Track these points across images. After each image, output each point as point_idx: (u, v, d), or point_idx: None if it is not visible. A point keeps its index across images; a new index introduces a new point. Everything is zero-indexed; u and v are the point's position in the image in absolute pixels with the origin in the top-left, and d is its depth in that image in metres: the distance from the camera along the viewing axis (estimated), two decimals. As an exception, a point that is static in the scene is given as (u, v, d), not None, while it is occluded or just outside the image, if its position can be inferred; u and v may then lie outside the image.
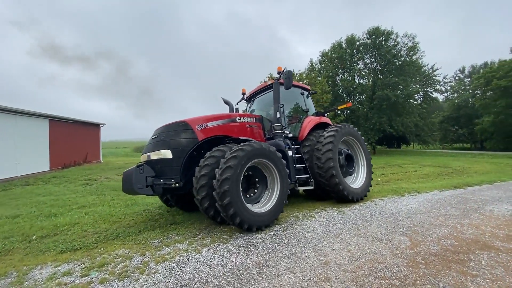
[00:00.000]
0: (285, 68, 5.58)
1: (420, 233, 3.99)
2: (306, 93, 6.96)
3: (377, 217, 4.79)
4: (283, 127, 5.65)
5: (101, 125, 23.12)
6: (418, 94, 32.88)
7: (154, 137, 4.86)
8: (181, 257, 3.19)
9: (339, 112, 30.70)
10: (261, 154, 4.31)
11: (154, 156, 4.46)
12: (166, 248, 3.48)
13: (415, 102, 32.66)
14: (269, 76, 27.01)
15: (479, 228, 4.27)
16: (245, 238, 3.80)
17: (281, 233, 4.00)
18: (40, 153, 15.20)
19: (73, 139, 18.57)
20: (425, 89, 32.79)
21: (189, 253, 3.30)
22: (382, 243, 3.60)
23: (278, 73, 5.72)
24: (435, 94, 34.37)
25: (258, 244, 3.57)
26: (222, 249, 3.42)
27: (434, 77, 31.87)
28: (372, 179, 6.74)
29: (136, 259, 3.20)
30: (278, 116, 5.56)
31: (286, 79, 5.34)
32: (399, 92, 27.33)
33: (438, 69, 31.50)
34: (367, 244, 3.56)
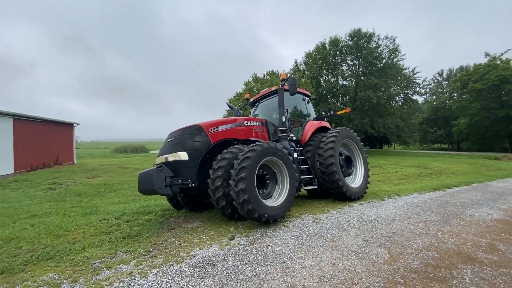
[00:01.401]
0: (289, 75, 5.94)
1: (399, 244, 3.65)
2: (307, 98, 7.26)
3: (354, 225, 4.43)
4: (288, 131, 5.92)
5: (75, 125, 21.79)
6: (399, 96, 33.58)
7: (170, 140, 5.14)
8: (121, 284, 2.64)
9: (323, 113, 30.75)
10: (271, 153, 4.62)
11: (171, 158, 4.75)
12: (107, 271, 2.92)
13: (396, 104, 33.35)
14: (253, 76, 26.60)
15: (461, 236, 4.00)
16: (204, 255, 3.30)
17: (248, 247, 3.53)
18: (3, 155, 13.95)
19: (42, 139, 17.29)
20: (406, 91, 33.53)
21: (132, 278, 2.76)
22: (358, 258, 3.21)
23: (282, 80, 6.06)
24: (415, 96, 35.35)
25: (217, 263, 3.08)
26: (174, 271, 2.90)
27: (414, 80, 32.64)
28: (369, 182, 7.10)
29: (65, 286, 2.63)
30: (284, 120, 5.85)
31: (291, 86, 5.62)
32: (380, 93, 27.71)
33: (418, 72, 32.29)
34: (342, 259, 3.16)
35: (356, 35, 29.61)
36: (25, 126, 15.72)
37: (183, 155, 4.66)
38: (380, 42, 29.66)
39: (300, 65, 34.35)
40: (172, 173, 4.54)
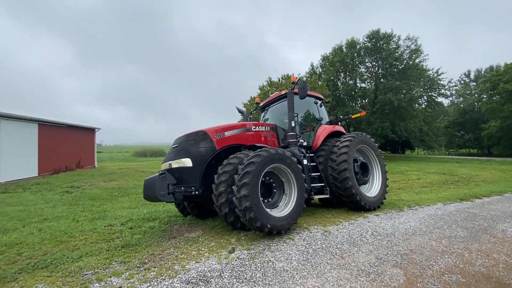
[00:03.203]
0: (299, 78, 5.49)
1: (418, 264, 3.24)
2: (319, 102, 6.92)
3: (368, 240, 4.04)
4: (298, 136, 5.66)
5: (96, 130, 22.65)
6: (422, 99, 31.99)
7: (174, 146, 5.00)
8: (106, 300, 2.49)
9: (341, 117, 29.94)
10: (277, 159, 4.37)
11: (175, 164, 4.63)
12: (96, 284, 2.78)
13: (420, 107, 31.78)
14: (268, 80, 26.46)
15: (491, 256, 3.51)
16: (199, 270, 3.08)
17: (247, 262, 3.28)
18: (28, 159, 14.70)
19: (65, 144, 18.08)
20: (430, 94, 31.88)
21: (120, 293, 2.60)
22: (369, 279, 2.86)
23: (292, 83, 5.79)
24: (440, 99, 33.42)
25: (212, 279, 2.85)
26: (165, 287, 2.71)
27: (438, 81, 30.95)
28: (387, 192, 6.56)
29: (50, 300, 2.52)
30: (293, 125, 5.57)
31: (301, 89, 5.41)
32: (402, 96, 26.49)
33: (443, 73, 30.60)
34: (350, 281, 2.82)
35: (375, 36, 28.63)
36: (49, 131, 16.52)
37: (187, 162, 4.53)
38: (400, 43, 28.47)
39: (317, 68, 33.75)
40: (175, 180, 4.42)
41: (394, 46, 28.30)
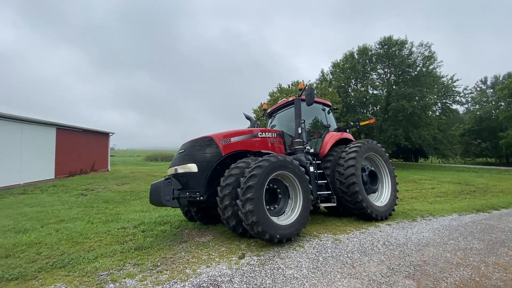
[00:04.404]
0: (307, 85, 5.67)
1: (431, 275, 3.18)
2: (327, 108, 6.90)
3: (379, 249, 3.99)
4: (304, 143, 5.64)
5: (110, 134, 23.29)
6: (436, 106, 31.31)
7: (181, 151, 5.05)
8: (120, 301, 2.57)
9: (351, 124, 29.63)
10: (283, 166, 4.35)
11: (180, 169, 4.65)
12: (111, 285, 2.88)
13: (433, 114, 31.10)
14: (278, 87, 26.61)
15: (508, 270, 3.39)
16: (210, 274, 3.13)
17: (257, 268, 3.30)
18: (45, 161, 15.25)
19: (80, 147, 18.66)
20: (444, 101, 31.18)
21: (134, 294, 2.68)
22: (380, 290, 2.83)
23: (300, 89, 5.80)
24: (455, 106, 32.64)
25: (223, 284, 2.89)
26: (176, 290, 2.77)
27: (453, 88, 30.26)
28: (397, 198, 6.39)
29: (68, 299, 2.62)
30: (300, 131, 5.55)
31: (308, 95, 5.43)
32: (415, 103, 26.02)
33: (458, 80, 29.91)
34: (361, 290, 2.80)
35: (387, 42, 28.42)
36: (66, 135, 17.11)
37: (193, 167, 4.55)
38: (413, 49, 28.13)
39: (327, 74, 33.71)
40: (180, 185, 4.45)
41: (407, 53, 27.99)
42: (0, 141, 12.10)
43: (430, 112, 30.18)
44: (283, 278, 3.04)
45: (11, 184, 12.43)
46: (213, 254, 3.78)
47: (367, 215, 5.45)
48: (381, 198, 6.15)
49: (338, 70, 31.68)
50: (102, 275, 3.12)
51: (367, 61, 29.89)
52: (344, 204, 5.63)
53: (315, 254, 3.75)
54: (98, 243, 4.35)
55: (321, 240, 4.36)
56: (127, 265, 3.41)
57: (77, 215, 6.80)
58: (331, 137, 6.24)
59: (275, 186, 4.56)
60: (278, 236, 3.92)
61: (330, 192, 5.61)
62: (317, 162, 5.78)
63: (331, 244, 4.20)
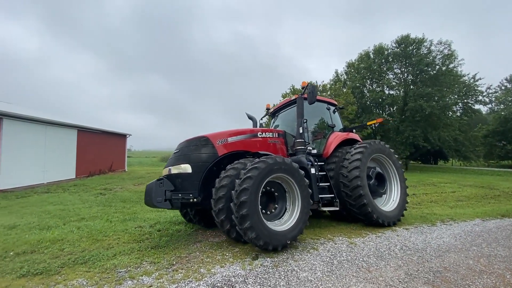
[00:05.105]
0: (310, 82, 5.36)
1: (452, 283, 3.05)
2: (332, 108, 6.66)
3: (396, 254, 3.88)
4: (306, 143, 5.40)
5: (127, 136, 24.01)
6: (457, 106, 30.04)
7: (176, 151, 4.92)
8: (138, 297, 2.64)
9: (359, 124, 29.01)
10: (281, 169, 4.13)
11: (174, 170, 4.49)
12: (129, 282, 2.97)
13: (454, 115, 29.86)
14: (291, 88, 26.48)
15: (539, 279, 3.20)
16: (224, 274, 3.16)
17: (271, 270, 3.30)
18: (67, 162, 15.93)
19: (99, 148, 19.36)
20: (465, 101, 29.87)
21: (151, 292, 2.75)
22: (398, 295, 2.75)
23: (302, 88, 5.53)
24: (477, 106, 31.15)
25: (236, 284, 2.91)
26: (191, 289, 2.82)
27: (476, 87, 28.94)
28: (407, 202, 6.02)
29: (89, 294, 2.73)
30: (301, 131, 5.31)
31: (309, 93, 5.17)
32: (434, 103, 25.09)
33: (480, 78, 28.57)
34: (377, 295, 2.74)
35: (404, 41, 27.61)
36: (86, 136, 17.80)
37: (186, 168, 4.38)
38: (432, 48, 27.16)
39: (341, 75, 33.20)
40: (172, 186, 4.29)
41: (425, 51, 27.07)
42: (26, 142, 12.76)
43: (450, 113, 28.98)
44: (297, 281, 3.02)
45: (36, 183, 13.07)
46: (227, 254, 3.82)
47: (372, 221, 5.15)
48: (389, 203, 5.80)
49: (353, 70, 31.15)
50: (121, 272, 3.23)
51: (383, 60, 29.16)
52: (348, 208, 5.37)
53: (330, 257, 3.70)
54: (116, 241, 4.49)
55: (335, 243, 4.30)
56: (144, 263, 3.51)
57: (97, 214, 7.05)
58: (335, 138, 5.97)
59: (273, 189, 4.35)
60: (272, 244, 3.75)
61: (333, 195, 5.33)
62: (320, 163, 5.56)
63: (346, 247, 4.12)
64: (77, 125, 16.80)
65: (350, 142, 6.16)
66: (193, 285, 2.90)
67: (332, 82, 31.14)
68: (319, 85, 26.74)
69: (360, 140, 6.30)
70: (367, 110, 29.09)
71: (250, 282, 2.96)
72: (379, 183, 5.76)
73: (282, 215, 4.35)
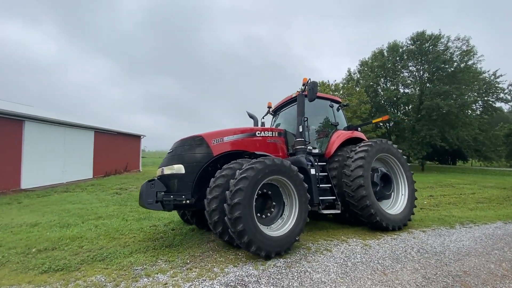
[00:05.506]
0: (310, 79, 5.13)
1: (473, 287, 2.94)
2: (336, 105, 6.38)
3: (413, 257, 3.77)
4: (306, 142, 5.14)
5: (141, 137, 24.58)
6: (477, 104, 28.89)
7: (170, 151, 4.76)
8: (154, 295, 2.70)
9: (380, 124, 28.37)
10: (275, 171, 3.89)
11: (167, 170, 4.31)
12: (145, 279, 3.04)
13: (473, 113, 28.73)
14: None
15: None
16: (237, 274, 3.18)
17: (284, 270, 3.29)
18: (85, 162, 16.49)
19: (115, 149, 19.93)
20: (486, 98, 28.67)
21: (166, 290, 2.81)
22: (415, 299, 2.68)
23: (303, 84, 5.26)
24: (498, 104, 29.83)
25: (249, 284, 2.92)
26: (205, 288, 2.85)
27: (496, 85, 27.73)
28: (415, 206, 5.66)
29: (107, 290, 2.81)
30: (301, 130, 5.05)
31: (309, 90, 4.92)
32: (452, 101, 24.23)
33: (502, 75, 27.35)
34: (393, 299, 2.68)
35: (420, 38, 26.84)
36: (103, 137, 18.36)
37: (179, 168, 4.20)
38: (449, 44, 26.24)
39: (354, 73, 32.65)
40: (164, 187, 4.14)
41: (442, 48, 26.20)
42: (47, 144, 13.30)
43: (470, 111, 27.92)
44: (310, 282, 3.00)
45: (56, 183, 13.60)
46: (240, 254, 3.84)
47: (376, 224, 4.86)
48: (395, 206, 5.49)
49: (366, 69, 30.59)
50: (137, 269, 3.31)
51: (398, 58, 28.46)
52: (350, 210, 5.10)
53: (344, 259, 3.65)
54: (132, 239, 4.61)
55: (349, 245, 4.23)
56: (159, 261, 3.59)
57: (113, 213, 7.26)
58: (338, 136, 5.69)
59: (269, 192, 4.13)
60: (265, 251, 3.57)
61: (334, 197, 5.07)
62: (322, 163, 5.37)
63: (360, 249, 4.05)
64: (94, 126, 17.35)
65: (355, 141, 5.91)
66: (207, 283, 2.94)
67: (344, 81, 30.69)
68: (331, 85, 26.41)
69: (365, 139, 6.06)
70: (381, 109, 28.49)
71: (263, 283, 2.97)
72: (385, 185, 5.49)
73: (278, 220, 4.15)
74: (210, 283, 2.96)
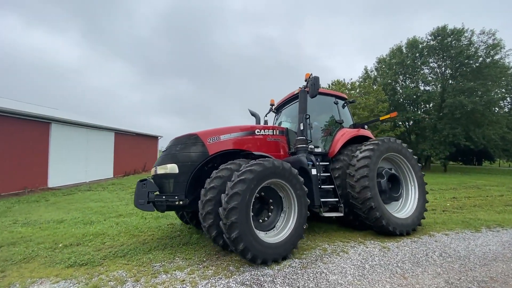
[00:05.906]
0: (312, 74, 4.89)
1: (501, 294, 2.79)
2: (341, 102, 6.09)
3: (435, 261, 3.63)
4: (308, 141, 4.89)
5: (159, 137, 25.27)
6: (505, 101, 27.30)
7: (164, 150, 4.67)
8: (172, 291, 2.78)
9: (399, 123, 27.47)
10: (274, 174, 3.66)
11: (160, 170, 4.16)
12: (163, 276, 3.13)
13: (501, 111, 27.16)
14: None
15: None
16: (253, 273, 3.20)
17: (299, 271, 3.27)
18: (106, 162, 17.18)
19: (134, 149, 20.62)
20: (515, 95, 27.03)
21: (183, 286, 2.87)
22: (437, 305, 2.58)
23: (306, 80, 5.02)
24: (529, 100, 28.02)
25: (265, 284, 2.94)
26: (222, 285, 2.89)
27: (527, 80, 26.05)
28: (426, 210, 5.34)
29: (128, 285, 2.92)
30: (302, 128, 4.81)
31: (311, 86, 4.67)
32: (477, 98, 23.01)
33: (532, 70, 25.65)
34: (414, 303, 2.59)
35: (441, 33, 25.67)
36: (122, 138, 19.03)
37: (172, 168, 4.03)
38: (474, 38, 24.92)
39: (371, 71, 31.81)
40: (157, 187, 4.07)
41: (466, 43, 24.93)
42: (71, 145, 13.97)
43: (497, 109, 26.41)
44: (326, 283, 2.97)
45: (79, 182, 14.26)
46: (255, 254, 3.85)
47: (382, 228, 4.58)
48: (404, 208, 5.19)
49: (384, 66, 29.71)
50: (156, 266, 3.42)
51: (418, 54, 27.40)
52: (355, 212, 4.84)
53: (361, 261, 3.58)
54: (151, 237, 4.76)
55: (367, 247, 4.14)
56: (176, 258, 3.68)
57: (132, 211, 7.51)
58: (342, 135, 5.41)
59: (267, 195, 3.96)
60: (261, 258, 3.38)
61: (337, 199, 4.82)
62: (325, 163, 5.12)
63: (378, 251, 3.96)
64: (114, 128, 18.03)
65: (361, 140, 5.60)
66: (223, 282, 2.98)
67: (361, 80, 29.99)
68: (347, 83, 25.89)
69: (372, 137, 5.77)
70: (400, 108, 27.53)
71: (279, 282, 2.97)
72: (393, 186, 5.15)
73: (276, 224, 3.96)
74: (226, 281, 3.00)
